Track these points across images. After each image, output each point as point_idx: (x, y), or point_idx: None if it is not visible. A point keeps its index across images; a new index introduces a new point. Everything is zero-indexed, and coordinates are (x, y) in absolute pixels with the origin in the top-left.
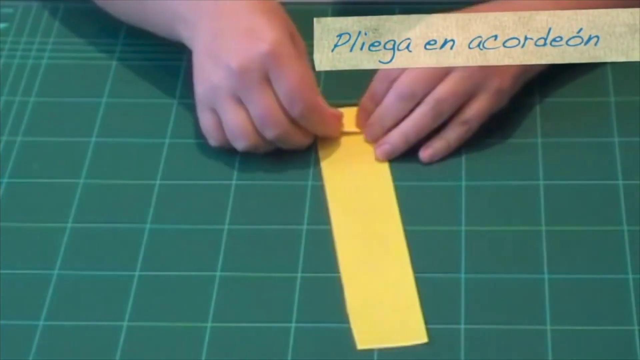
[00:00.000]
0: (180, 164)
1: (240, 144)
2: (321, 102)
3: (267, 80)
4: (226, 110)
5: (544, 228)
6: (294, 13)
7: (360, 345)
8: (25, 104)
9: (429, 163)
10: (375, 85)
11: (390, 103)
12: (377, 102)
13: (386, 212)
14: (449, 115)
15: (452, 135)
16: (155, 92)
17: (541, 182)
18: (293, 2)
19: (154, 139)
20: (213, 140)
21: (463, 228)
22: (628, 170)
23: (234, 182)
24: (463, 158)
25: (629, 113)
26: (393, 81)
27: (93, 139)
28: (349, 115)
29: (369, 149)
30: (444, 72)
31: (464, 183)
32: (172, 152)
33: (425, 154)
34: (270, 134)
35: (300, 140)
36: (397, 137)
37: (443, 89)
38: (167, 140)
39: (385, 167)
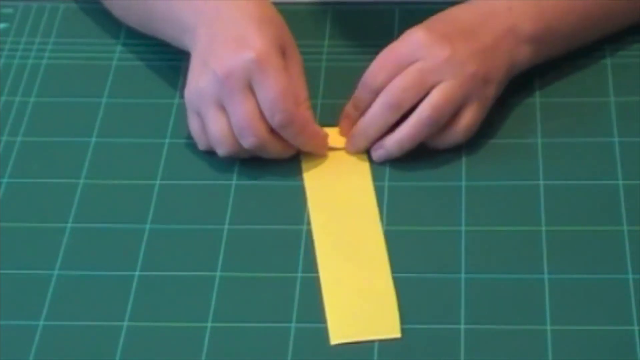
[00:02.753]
0: (180, 164)
1: (220, 150)
2: (303, 115)
3: (250, 88)
4: (208, 116)
5: (544, 228)
6: (293, 13)
7: (333, 341)
8: (25, 104)
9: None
10: (359, 93)
11: (376, 113)
12: (361, 111)
13: (366, 214)
14: (444, 123)
15: (448, 143)
16: (155, 92)
17: (541, 182)
18: (293, 2)
19: (154, 139)
20: (200, 144)
21: (463, 228)
22: (628, 170)
23: (234, 182)
24: (463, 158)
25: (629, 113)
26: (377, 90)
27: (93, 139)
28: (334, 134)
29: (351, 156)
30: (431, 83)
31: (464, 183)
32: (172, 152)
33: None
34: (247, 142)
35: (279, 151)
36: (392, 144)
37: (438, 96)
38: (167, 140)
39: (366, 169)
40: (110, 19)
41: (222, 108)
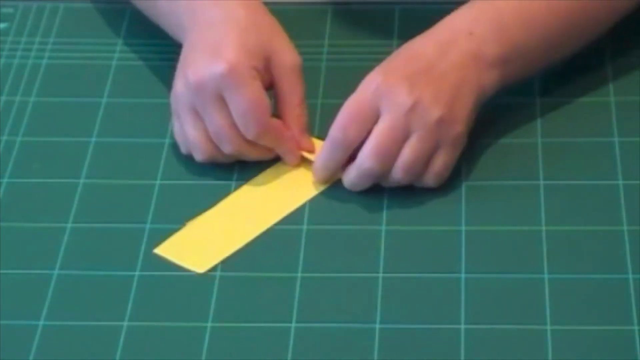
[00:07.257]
0: (180, 164)
1: (197, 156)
2: (277, 123)
3: (223, 98)
4: (184, 122)
5: (544, 228)
6: (294, 13)
7: (155, 250)
8: (25, 104)
9: None
10: (331, 153)
11: (353, 181)
12: (332, 170)
13: (277, 208)
14: (420, 173)
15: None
16: (155, 93)
17: (541, 182)
18: (293, 2)
19: (154, 139)
20: (182, 148)
21: (463, 228)
22: (628, 170)
23: (233, 182)
24: (463, 158)
25: (629, 113)
26: (349, 147)
27: (93, 139)
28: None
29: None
30: (401, 139)
31: (464, 183)
32: (172, 152)
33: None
34: (226, 149)
35: (258, 155)
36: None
37: (408, 155)
38: (167, 140)
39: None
40: (110, 19)
41: (198, 114)
